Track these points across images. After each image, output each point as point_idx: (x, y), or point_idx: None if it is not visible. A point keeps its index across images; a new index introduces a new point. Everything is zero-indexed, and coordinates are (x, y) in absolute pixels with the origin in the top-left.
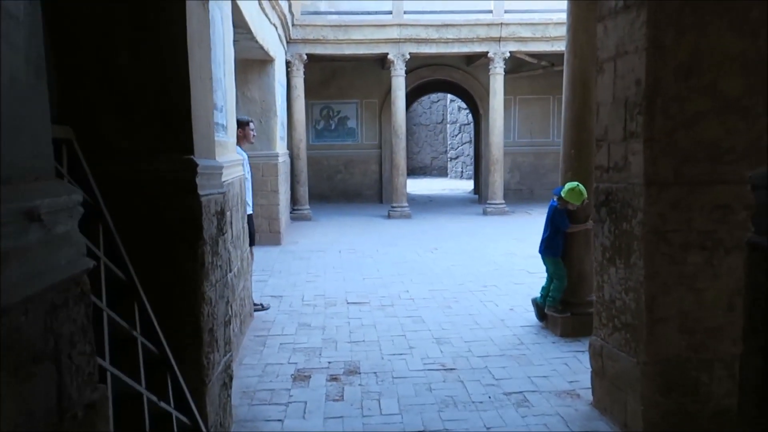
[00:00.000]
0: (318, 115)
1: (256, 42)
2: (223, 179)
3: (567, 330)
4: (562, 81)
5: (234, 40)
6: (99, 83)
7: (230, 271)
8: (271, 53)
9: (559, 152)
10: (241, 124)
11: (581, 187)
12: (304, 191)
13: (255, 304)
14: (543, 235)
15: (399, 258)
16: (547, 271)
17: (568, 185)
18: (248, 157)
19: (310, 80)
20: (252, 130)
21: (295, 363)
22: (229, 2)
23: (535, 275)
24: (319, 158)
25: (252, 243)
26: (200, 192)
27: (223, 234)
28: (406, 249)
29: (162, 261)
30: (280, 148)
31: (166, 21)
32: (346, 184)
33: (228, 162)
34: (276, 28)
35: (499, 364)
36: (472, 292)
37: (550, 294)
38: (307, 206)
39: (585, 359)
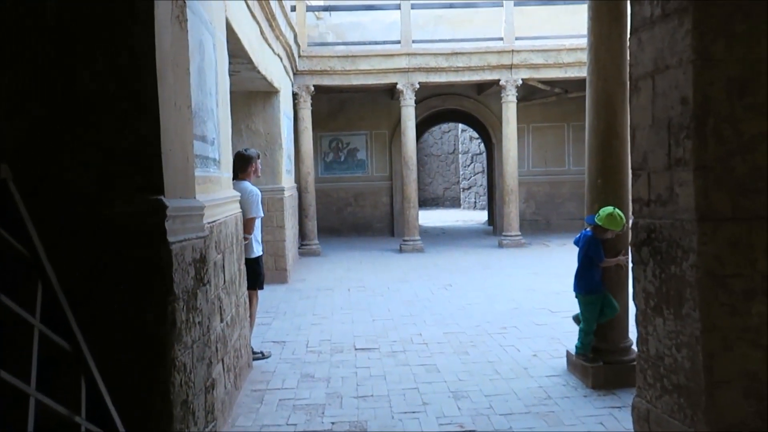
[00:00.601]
0: (327, 147)
1: (259, 73)
2: (214, 219)
3: (599, 381)
4: (576, 108)
5: (234, 71)
6: (49, 109)
7: (222, 321)
8: (276, 84)
9: (575, 181)
10: (251, 159)
11: (618, 211)
12: (312, 226)
13: (254, 353)
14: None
15: (411, 296)
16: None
17: (605, 211)
18: (261, 193)
19: (318, 112)
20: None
21: (295, 424)
22: (224, 29)
23: (557, 314)
24: (329, 191)
25: (260, 287)
26: (171, 238)
27: (204, 284)
28: (418, 286)
29: (122, 322)
30: (287, 181)
31: (130, 39)
32: (356, 217)
33: (220, 199)
34: (281, 59)
35: (525, 424)
36: (490, 334)
37: (577, 340)
38: (316, 241)
39: (623, 418)
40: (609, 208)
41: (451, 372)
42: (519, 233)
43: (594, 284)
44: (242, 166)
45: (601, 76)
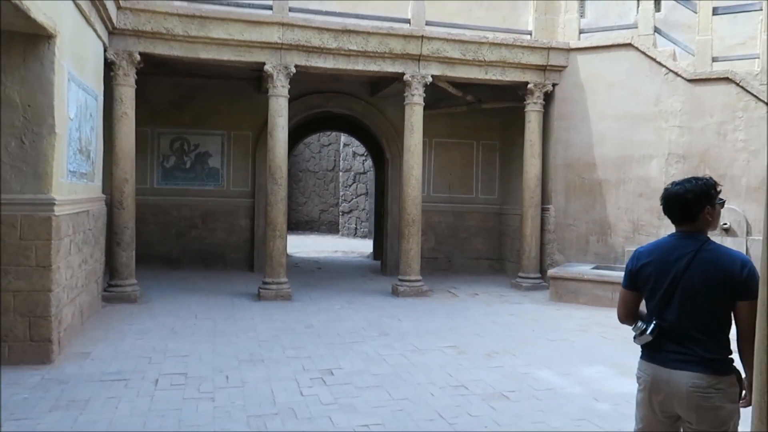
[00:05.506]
0: (167, 148)
1: None
2: None
3: None
4: (489, 123)
5: None
6: None
7: None
8: (45, 20)
9: (484, 212)
10: None
11: None
12: (128, 258)
13: None
14: None
15: (263, 401)
16: None
17: None
18: None
19: (158, 101)
20: None
21: None
22: None
23: None
24: (167, 207)
25: None
26: None
27: None
28: (279, 372)
29: None
30: (69, 189)
31: None
32: (204, 243)
33: None
34: None
35: None
36: None
37: None
38: (133, 280)
39: None
40: None
41: None
42: (420, 278)
43: None
44: None
45: None
